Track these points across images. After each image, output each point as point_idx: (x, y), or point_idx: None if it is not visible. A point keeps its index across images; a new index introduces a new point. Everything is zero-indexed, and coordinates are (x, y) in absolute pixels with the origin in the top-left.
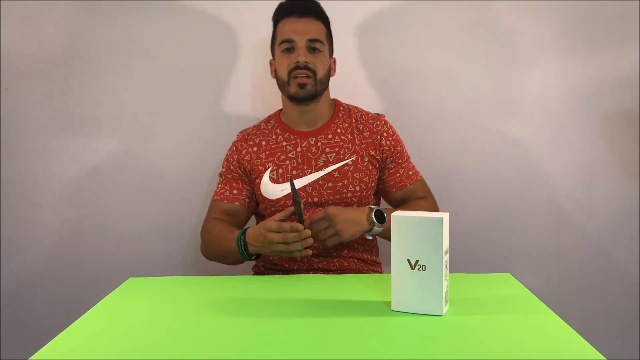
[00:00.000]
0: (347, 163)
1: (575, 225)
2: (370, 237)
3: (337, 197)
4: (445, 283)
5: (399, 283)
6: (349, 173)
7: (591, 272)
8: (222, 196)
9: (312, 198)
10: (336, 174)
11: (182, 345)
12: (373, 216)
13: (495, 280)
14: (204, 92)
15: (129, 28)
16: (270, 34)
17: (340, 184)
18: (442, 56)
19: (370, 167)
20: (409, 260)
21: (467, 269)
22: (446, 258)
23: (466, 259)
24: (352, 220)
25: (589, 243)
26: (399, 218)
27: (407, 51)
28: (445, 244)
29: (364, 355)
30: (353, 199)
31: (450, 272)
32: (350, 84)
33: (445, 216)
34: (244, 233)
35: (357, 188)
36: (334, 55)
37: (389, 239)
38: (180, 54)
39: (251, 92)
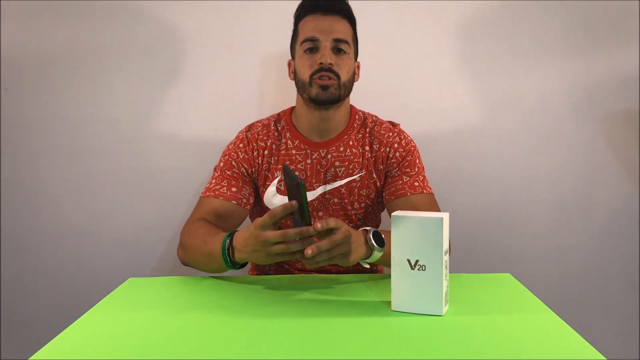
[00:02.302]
0: (354, 179)
1: (575, 225)
2: (367, 265)
3: (341, 213)
4: (445, 283)
5: (399, 283)
6: (356, 190)
7: (591, 272)
8: (216, 192)
9: (317, 212)
10: (343, 190)
11: (182, 345)
12: (372, 238)
13: (495, 280)
14: (204, 92)
15: (129, 28)
16: (273, 34)
17: (346, 200)
18: (442, 56)
19: (378, 184)
20: (409, 260)
21: (467, 269)
22: (446, 258)
23: (466, 259)
24: (358, 242)
25: (589, 243)
26: (399, 218)
27: (407, 51)
28: (445, 244)
29: (364, 355)
30: (358, 215)
31: (450, 272)
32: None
33: (445, 216)
34: (231, 236)
35: (362, 205)
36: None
37: (389, 265)
38: (180, 54)
39: (252, 92)
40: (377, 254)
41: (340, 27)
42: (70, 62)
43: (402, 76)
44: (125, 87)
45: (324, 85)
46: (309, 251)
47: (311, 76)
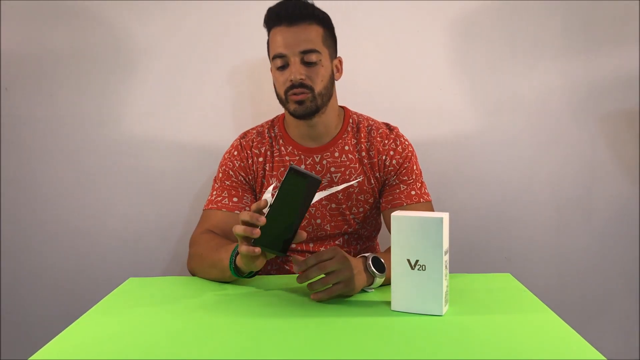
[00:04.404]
0: (352, 185)
1: (575, 225)
2: (372, 290)
3: (339, 218)
4: (445, 283)
5: (399, 283)
6: (353, 195)
7: (591, 272)
8: (219, 204)
9: (314, 219)
10: (340, 196)
11: (182, 345)
12: (371, 265)
13: (495, 280)
14: (204, 91)
15: (129, 28)
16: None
17: (344, 205)
18: (442, 56)
19: (376, 190)
20: (409, 260)
21: (467, 269)
22: (446, 258)
23: (466, 259)
24: (358, 269)
25: (589, 243)
26: (399, 218)
27: (407, 51)
28: (445, 244)
29: (364, 355)
30: (356, 219)
31: (450, 272)
32: (350, 84)
33: (445, 216)
34: None
35: (361, 210)
36: (339, 55)
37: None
38: (180, 54)
39: (252, 92)
40: (378, 280)
41: (306, 36)
42: (70, 62)
43: (401, 77)
44: (125, 87)
45: (299, 101)
46: (298, 280)
47: (285, 93)
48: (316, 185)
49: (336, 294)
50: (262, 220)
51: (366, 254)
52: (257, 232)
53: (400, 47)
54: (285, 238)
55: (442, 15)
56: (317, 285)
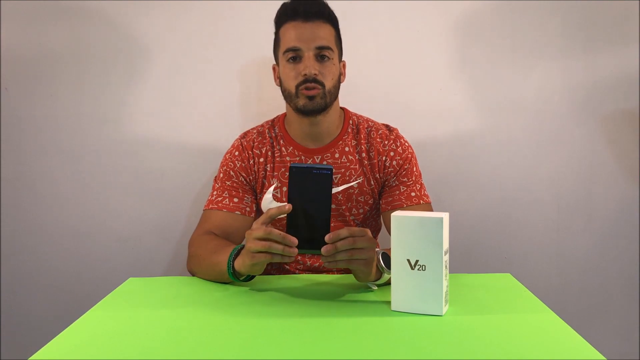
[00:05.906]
0: (352, 186)
1: (575, 225)
2: (376, 287)
3: (339, 219)
4: (445, 283)
5: (399, 283)
6: (353, 196)
7: (591, 272)
8: (219, 204)
9: None
10: (340, 197)
11: (182, 345)
12: (381, 260)
13: (495, 280)
14: (205, 91)
15: (129, 28)
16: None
17: (344, 207)
18: (442, 56)
19: (375, 191)
20: (408, 260)
21: (467, 269)
22: (446, 258)
23: (466, 259)
24: (373, 258)
25: (589, 243)
26: (399, 218)
27: (407, 51)
28: (445, 244)
29: (364, 355)
30: (356, 221)
31: (450, 272)
32: (350, 85)
33: (445, 216)
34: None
35: (360, 211)
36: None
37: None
38: (180, 54)
39: (253, 92)
40: (386, 276)
41: (322, 33)
42: (70, 62)
43: (401, 78)
44: (125, 87)
45: (310, 96)
46: (324, 250)
47: (297, 87)
48: (328, 174)
49: (353, 266)
50: (295, 241)
51: (376, 249)
52: (294, 251)
53: (400, 47)
54: (321, 235)
55: (442, 16)
56: (342, 256)
